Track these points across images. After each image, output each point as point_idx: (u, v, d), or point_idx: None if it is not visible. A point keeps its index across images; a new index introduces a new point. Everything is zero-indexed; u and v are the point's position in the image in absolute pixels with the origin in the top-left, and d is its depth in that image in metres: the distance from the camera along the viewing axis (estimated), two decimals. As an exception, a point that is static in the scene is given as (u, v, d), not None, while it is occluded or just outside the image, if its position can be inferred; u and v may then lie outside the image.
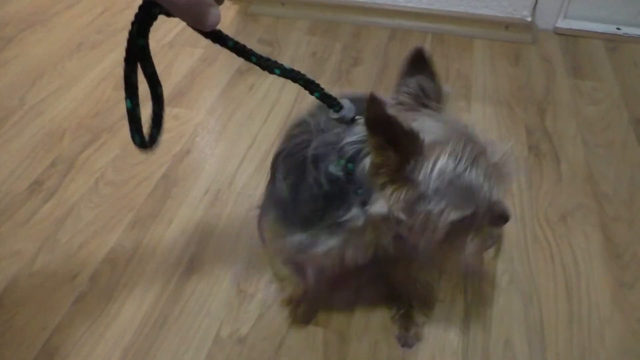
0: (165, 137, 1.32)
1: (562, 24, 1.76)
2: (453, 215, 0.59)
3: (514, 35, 1.73)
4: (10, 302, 0.96)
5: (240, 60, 1.59)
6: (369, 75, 1.57)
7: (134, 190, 1.19)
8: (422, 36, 1.76)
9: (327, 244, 0.69)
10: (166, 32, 1.75)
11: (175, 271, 1.02)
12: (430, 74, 0.65)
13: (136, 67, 0.57)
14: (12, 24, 1.78)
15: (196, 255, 1.05)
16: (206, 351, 0.89)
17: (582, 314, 0.94)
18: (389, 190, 0.59)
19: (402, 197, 0.58)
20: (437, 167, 0.57)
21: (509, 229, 1.09)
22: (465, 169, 0.57)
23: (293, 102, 1.46)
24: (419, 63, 0.67)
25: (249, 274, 1.01)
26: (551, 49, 1.68)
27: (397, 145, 0.56)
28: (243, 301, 0.97)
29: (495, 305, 0.96)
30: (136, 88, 0.57)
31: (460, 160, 0.57)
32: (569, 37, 1.73)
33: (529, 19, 1.71)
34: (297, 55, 1.65)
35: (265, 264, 1.02)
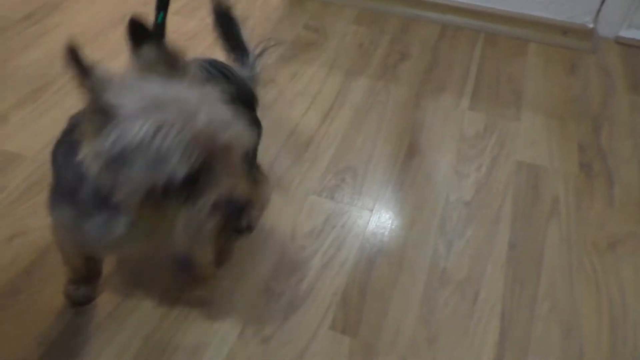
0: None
1: (625, 33, 1.66)
2: (139, 182, 0.57)
3: (572, 41, 1.65)
4: (37, 276, 0.96)
5: (284, 46, 1.55)
6: (416, 72, 1.51)
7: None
8: (474, 35, 1.69)
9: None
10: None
11: (203, 261, 1.00)
12: (157, 42, 0.63)
13: None
14: (59, -11, 1.77)
15: (224, 247, 1.02)
16: (228, 348, 0.87)
17: (626, 353, 0.88)
18: (87, 145, 0.59)
19: (94, 154, 0.58)
20: (124, 133, 0.55)
21: (553, 252, 1.04)
22: (155, 137, 0.54)
23: (336, 94, 1.42)
24: (140, 32, 0.64)
25: (278, 272, 0.99)
26: (611, 59, 1.59)
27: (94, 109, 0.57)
28: (270, 300, 0.94)
29: (533, 332, 0.91)
30: None
31: (152, 128, 0.55)
32: (632, 48, 1.64)
33: (590, 26, 1.62)
34: (343, 45, 1.60)
35: (296, 264, 0.99)
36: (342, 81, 1.46)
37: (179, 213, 0.60)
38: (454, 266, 1.01)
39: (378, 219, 1.10)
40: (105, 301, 0.92)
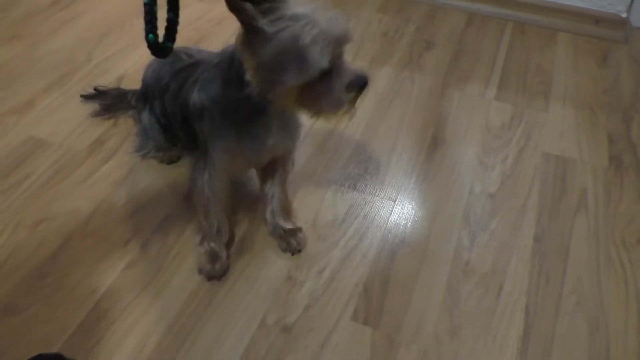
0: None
1: (659, 23, 1.60)
2: (296, 80, 0.73)
3: (604, 31, 1.60)
4: (63, 261, 0.97)
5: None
6: (442, 62, 1.49)
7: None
8: (501, 24, 1.65)
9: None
10: None
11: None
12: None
13: None
14: (85, -24, 1.78)
15: (248, 234, 1.03)
16: (250, 336, 0.87)
17: (654, 351, 0.86)
18: (248, 64, 0.75)
19: (255, 70, 0.74)
20: (279, 44, 0.70)
21: (580, 246, 1.01)
22: (296, 40, 0.69)
23: (359, 83, 1.40)
24: None
25: (301, 260, 0.98)
26: (645, 50, 1.55)
27: (248, 25, 0.71)
28: (292, 289, 0.94)
29: (558, 327, 0.89)
30: None
31: (292, 42, 0.70)
32: (666, 39, 1.58)
33: (623, 15, 1.57)
34: (367, 34, 1.58)
35: (318, 254, 0.99)
36: (367, 70, 1.44)
37: (324, 95, 0.75)
38: (478, 258, 0.99)
39: (401, 209, 1.08)
40: (130, 287, 0.93)
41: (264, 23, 0.69)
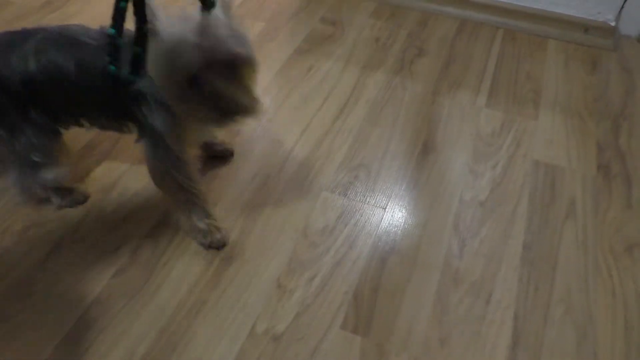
0: (218, 113, 1.30)
1: (648, 31, 1.62)
2: (167, 77, 0.76)
3: (594, 39, 1.61)
4: (53, 267, 0.97)
5: (300, 39, 1.56)
6: (433, 68, 1.50)
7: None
8: (492, 31, 1.66)
9: None
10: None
11: (216, 255, 1.00)
12: None
13: None
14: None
15: (238, 242, 1.03)
16: (239, 345, 0.87)
17: (641, 359, 0.87)
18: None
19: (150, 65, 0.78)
20: (159, 43, 0.74)
21: (569, 254, 1.02)
22: (173, 46, 0.73)
23: (352, 89, 1.40)
24: None
25: (291, 268, 0.98)
26: (634, 58, 1.56)
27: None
28: (282, 297, 0.94)
29: (547, 335, 0.90)
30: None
31: (168, 44, 0.73)
32: (655, 47, 1.60)
33: (612, 23, 1.58)
34: (360, 39, 1.58)
35: (308, 261, 0.99)
36: (358, 76, 1.45)
37: (196, 105, 0.78)
38: (468, 266, 1.00)
39: (391, 216, 1.09)
40: (120, 294, 0.93)
41: (161, 23, 0.74)
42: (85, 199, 1.08)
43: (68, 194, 1.06)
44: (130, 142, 1.17)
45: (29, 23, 1.54)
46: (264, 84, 1.41)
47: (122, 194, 1.10)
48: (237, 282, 0.96)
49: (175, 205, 1.00)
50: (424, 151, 1.24)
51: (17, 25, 1.55)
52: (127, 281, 0.95)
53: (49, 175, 0.96)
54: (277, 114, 1.32)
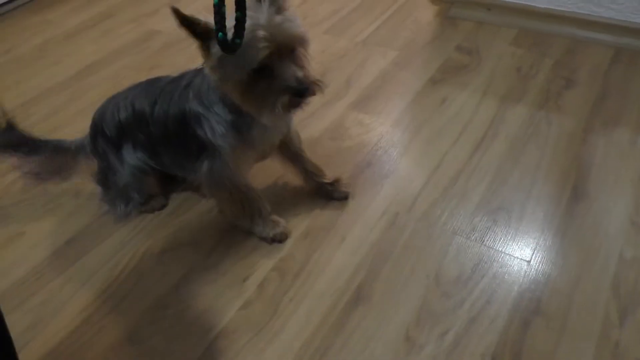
0: (347, 144, 1.28)
1: None
2: (234, 74, 0.84)
3: None
4: (184, 293, 0.99)
5: (434, 68, 1.49)
6: (584, 102, 1.35)
7: (308, 197, 1.15)
8: (656, 60, 1.47)
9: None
10: (361, 29, 1.70)
11: (341, 297, 0.96)
12: None
13: None
14: None
15: (365, 284, 0.98)
16: (365, 399, 0.82)
17: None
18: (206, 66, 0.88)
19: (211, 69, 0.87)
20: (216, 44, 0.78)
21: None
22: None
23: (489, 122, 1.31)
24: None
25: (420, 318, 0.91)
26: None
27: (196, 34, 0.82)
28: (410, 351, 0.87)
29: None
30: None
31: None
32: None
33: None
34: (499, 69, 1.48)
35: (440, 314, 0.91)
36: (497, 109, 1.35)
37: (261, 96, 0.84)
38: (631, 340, 0.86)
39: (536, 271, 0.98)
40: (246, 328, 0.92)
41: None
42: (162, 207, 1.15)
43: (150, 199, 1.14)
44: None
45: (173, 53, 1.66)
46: (395, 115, 1.36)
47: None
48: (363, 328, 0.91)
49: (232, 211, 1.05)
50: (574, 197, 1.11)
51: (165, 53, 1.68)
52: (253, 315, 0.95)
53: (141, 204, 1.13)
54: (408, 148, 1.27)
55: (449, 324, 0.90)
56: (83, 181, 1.18)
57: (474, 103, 1.37)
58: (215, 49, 0.81)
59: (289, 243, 1.06)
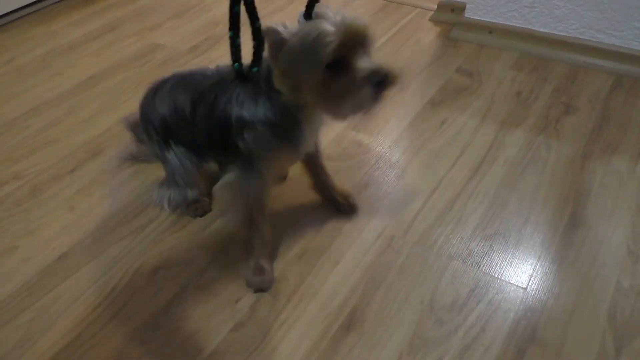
0: (345, 164, 1.27)
1: None
2: (305, 76, 0.81)
3: None
4: (175, 313, 0.98)
5: (434, 90, 1.50)
6: (583, 129, 1.35)
7: (304, 217, 1.15)
8: (656, 88, 1.47)
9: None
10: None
11: (334, 321, 0.95)
12: None
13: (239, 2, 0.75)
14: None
15: (358, 308, 0.97)
16: None
17: None
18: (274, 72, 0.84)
19: (279, 75, 0.84)
20: (285, 49, 0.79)
21: None
22: (304, 37, 0.77)
23: (488, 146, 1.30)
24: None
25: (413, 345, 0.90)
26: None
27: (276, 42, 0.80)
28: (403, 379, 0.86)
29: None
30: (238, 21, 0.76)
31: (302, 39, 0.77)
32: None
33: None
34: (499, 93, 1.48)
35: (434, 340, 0.90)
36: (496, 132, 1.35)
37: (342, 92, 0.80)
38: (627, 373, 0.84)
39: (532, 298, 0.96)
40: (237, 350, 0.91)
41: (286, 33, 0.78)
42: (204, 213, 1.16)
43: (193, 203, 1.14)
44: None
45: (177, 65, 1.66)
46: (394, 136, 1.36)
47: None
48: (355, 356, 0.89)
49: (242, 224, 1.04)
50: (571, 224, 1.10)
51: (167, 67, 1.68)
52: (244, 337, 0.93)
53: (187, 194, 1.11)
54: (406, 170, 1.26)
55: (442, 351, 0.89)
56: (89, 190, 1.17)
57: (473, 126, 1.37)
58: (287, 50, 0.80)
59: (282, 264, 1.05)
